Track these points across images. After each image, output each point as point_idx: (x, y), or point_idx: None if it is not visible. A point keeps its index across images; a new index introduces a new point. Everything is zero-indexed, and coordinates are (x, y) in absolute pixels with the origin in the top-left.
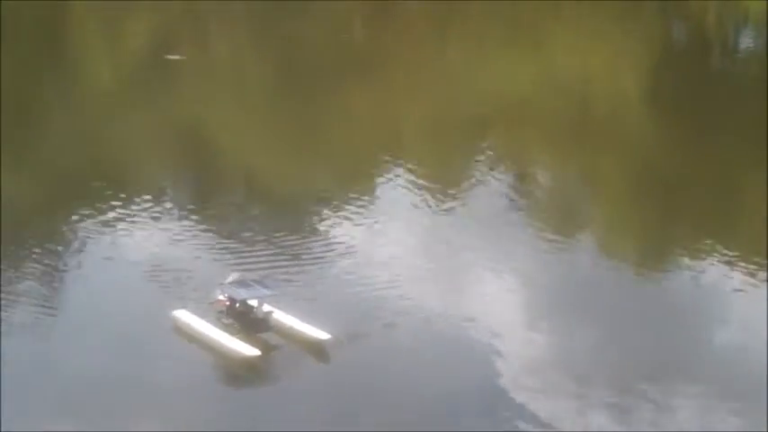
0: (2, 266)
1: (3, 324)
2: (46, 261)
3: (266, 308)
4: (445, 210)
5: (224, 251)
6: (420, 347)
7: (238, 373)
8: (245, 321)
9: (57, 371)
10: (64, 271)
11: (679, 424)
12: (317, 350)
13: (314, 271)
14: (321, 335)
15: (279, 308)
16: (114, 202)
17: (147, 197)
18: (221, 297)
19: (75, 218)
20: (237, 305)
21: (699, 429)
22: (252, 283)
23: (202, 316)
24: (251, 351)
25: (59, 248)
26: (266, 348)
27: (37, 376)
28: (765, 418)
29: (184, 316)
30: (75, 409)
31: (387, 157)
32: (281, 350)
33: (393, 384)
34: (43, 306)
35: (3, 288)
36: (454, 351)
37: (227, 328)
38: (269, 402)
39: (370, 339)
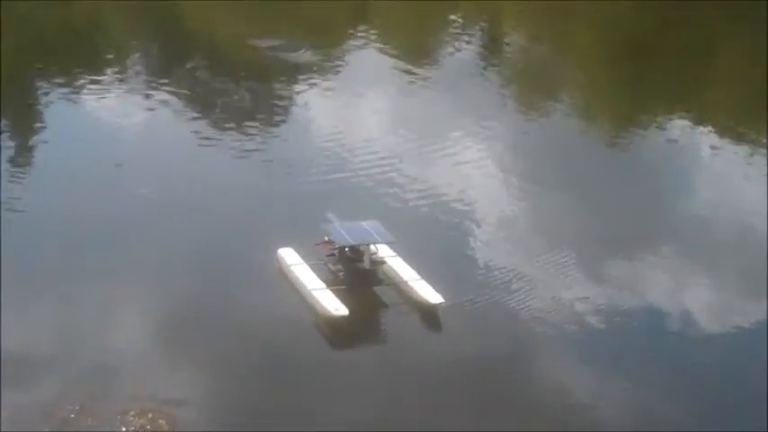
0: None
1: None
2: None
3: (378, 256)
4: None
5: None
6: None
7: (321, 332)
8: (352, 271)
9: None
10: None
11: (651, 285)
12: (424, 315)
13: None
14: (433, 297)
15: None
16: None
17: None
18: (326, 239)
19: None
20: (347, 249)
21: (671, 292)
22: (365, 225)
23: (308, 257)
24: (338, 310)
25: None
26: (359, 308)
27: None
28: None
29: (288, 255)
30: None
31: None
32: (376, 312)
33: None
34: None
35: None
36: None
37: (331, 275)
38: (318, 378)
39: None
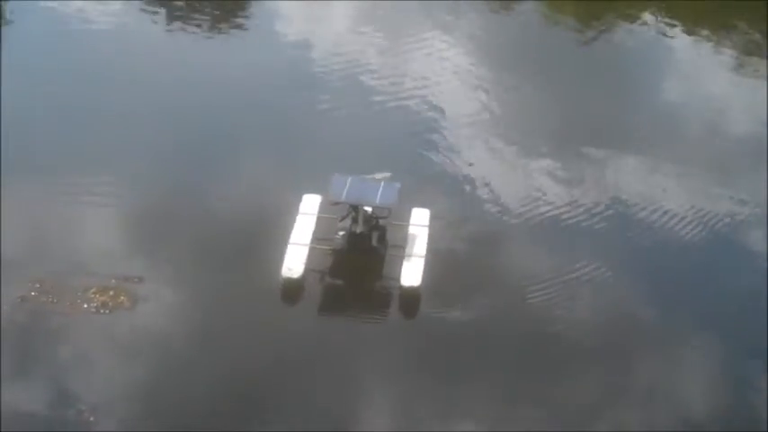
0: None
1: None
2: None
3: (384, 221)
4: None
5: None
6: None
7: (269, 284)
8: (348, 232)
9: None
10: None
11: (621, 182)
12: (399, 296)
13: None
14: (410, 280)
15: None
16: None
17: None
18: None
19: None
20: (352, 208)
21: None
22: (382, 184)
23: (326, 209)
24: (290, 270)
25: None
26: (321, 274)
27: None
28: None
29: (309, 203)
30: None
31: None
32: (335, 281)
33: None
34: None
35: None
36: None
37: (337, 234)
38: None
39: None
